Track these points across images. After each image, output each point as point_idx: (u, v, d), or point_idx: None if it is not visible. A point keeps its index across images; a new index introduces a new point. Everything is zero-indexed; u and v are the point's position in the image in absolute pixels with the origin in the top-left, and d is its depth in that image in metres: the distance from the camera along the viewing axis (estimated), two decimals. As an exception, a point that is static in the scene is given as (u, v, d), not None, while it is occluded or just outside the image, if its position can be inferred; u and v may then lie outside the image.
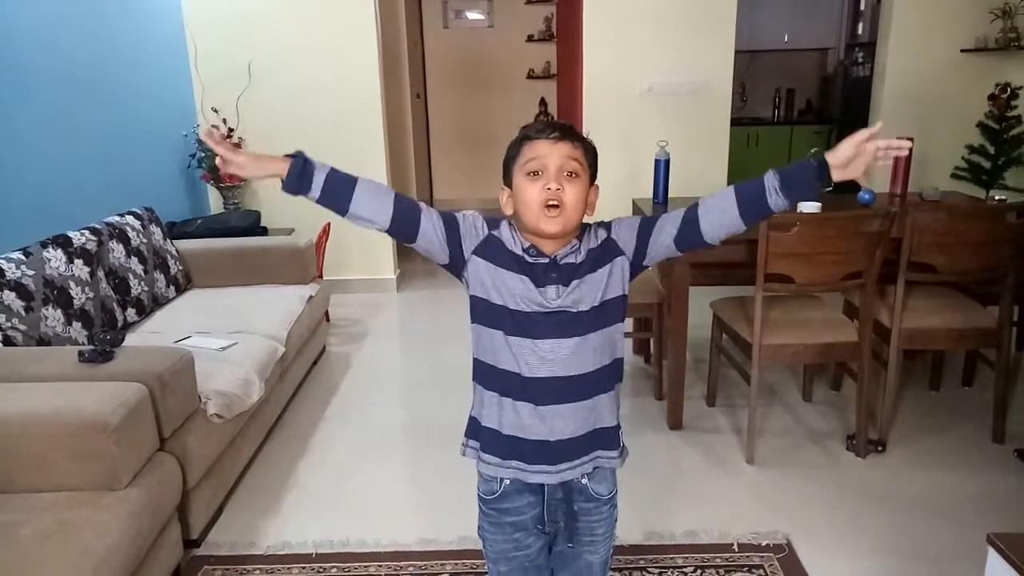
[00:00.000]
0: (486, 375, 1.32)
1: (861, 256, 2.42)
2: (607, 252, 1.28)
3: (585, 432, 1.30)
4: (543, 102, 7.26)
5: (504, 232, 1.28)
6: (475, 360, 1.33)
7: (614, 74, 4.39)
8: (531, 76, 7.28)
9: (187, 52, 4.26)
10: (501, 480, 1.33)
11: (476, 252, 1.27)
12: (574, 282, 1.25)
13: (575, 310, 1.25)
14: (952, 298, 2.75)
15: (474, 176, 7.48)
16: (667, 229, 1.28)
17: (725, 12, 4.30)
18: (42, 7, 2.89)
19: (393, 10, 5.55)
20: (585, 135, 1.27)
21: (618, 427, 1.35)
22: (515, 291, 1.25)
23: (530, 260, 1.25)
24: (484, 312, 1.28)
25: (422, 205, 1.28)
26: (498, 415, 1.30)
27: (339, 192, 1.28)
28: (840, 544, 2.14)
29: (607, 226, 1.31)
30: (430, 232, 1.26)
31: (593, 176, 1.28)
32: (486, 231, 1.28)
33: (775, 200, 1.20)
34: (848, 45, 6.33)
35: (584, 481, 1.33)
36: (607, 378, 1.31)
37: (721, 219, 1.25)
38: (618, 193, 3.92)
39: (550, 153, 1.22)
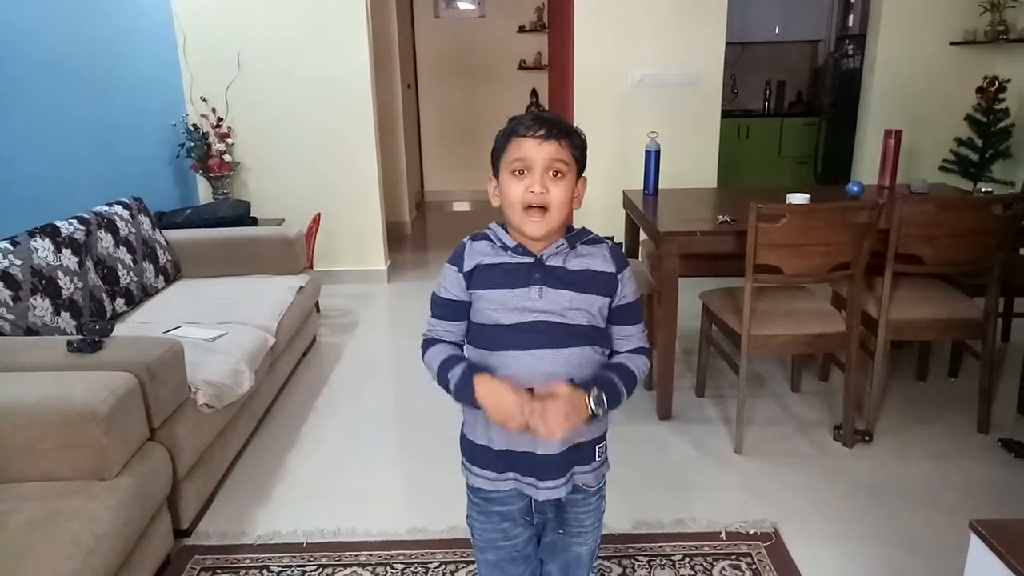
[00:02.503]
0: None
1: (849, 247, 2.44)
2: (607, 284, 1.27)
3: (565, 448, 1.29)
4: (534, 93, 7.25)
5: (472, 254, 1.28)
6: None
7: (605, 65, 4.39)
8: (522, 67, 7.27)
9: (176, 42, 4.22)
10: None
11: (470, 288, 1.29)
12: (566, 294, 1.24)
13: (560, 321, 1.24)
14: (939, 289, 2.77)
15: (464, 167, 7.48)
16: (620, 334, 1.32)
17: (716, 4, 4.30)
18: (28, -6, 2.86)
19: (383, -1, 5.53)
20: (576, 126, 1.26)
21: (596, 441, 1.34)
22: (496, 303, 1.25)
23: (516, 259, 1.25)
24: (476, 333, 1.30)
25: (445, 336, 1.34)
26: (486, 431, 1.31)
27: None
28: (827, 532, 2.16)
29: (617, 261, 1.29)
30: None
31: (581, 169, 1.27)
32: (460, 272, 1.29)
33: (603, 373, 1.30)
34: (838, 37, 6.34)
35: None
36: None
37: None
38: (609, 184, 3.94)
39: (536, 154, 1.20)
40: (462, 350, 1.34)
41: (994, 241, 2.53)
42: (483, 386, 1.22)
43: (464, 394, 1.25)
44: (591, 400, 1.22)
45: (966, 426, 2.74)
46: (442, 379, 1.29)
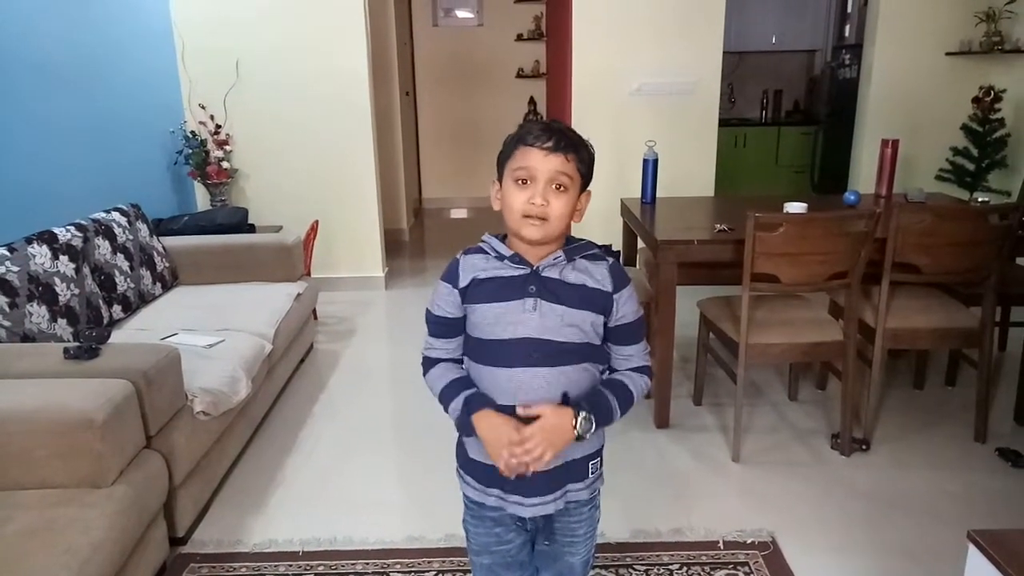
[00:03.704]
0: None
1: (846, 256, 2.45)
2: (602, 303, 1.25)
3: (556, 465, 1.28)
4: (532, 101, 7.27)
5: (466, 270, 1.27)
6: None
7: (603, 74, 4.41)
8: (520, 75, 7.29)
9: (175, 49, 4.23)
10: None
11: (465, 303, 1.28)
12: (559, 308, 1.22)
13: (553, 339, 1.23)
14: (936, 298, 2.78)
15: (463, 175, 7.49)
16: (619, 353, 1.32)
17: (714, 13, 4.32)
18: (25, 2, 2.86)
19: (382, 7, 5.54)
20: (586, 139, 1.24)
21: (589, 457, 1.33)
22: (490, 318, 1.25)
23: (511, 270, 1.24)
24: (471, 347, 1.30)
25: (443, 355, 1.35)
26: (478, 444, 1.30)
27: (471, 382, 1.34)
28: (824, 541, 2.16)
29: (616, 280, 1.26)
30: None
31: (587, 183, 1.25)
32: (455, 288, 1.27)
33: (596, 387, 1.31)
34: (835, 47, 6.38)
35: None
36: None
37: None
38: (607, 193, 3.94)
39: (541, 165, 1.19)
40: (461, 364, 1.34)
41: (991, 250, 2.53)
42: (482, 423, 1.24)
43: (464, 427, 1.29)
44: (578, 423, 1.21)
45: (963, 435, 2.74)
46: (444, 405, 1.32)
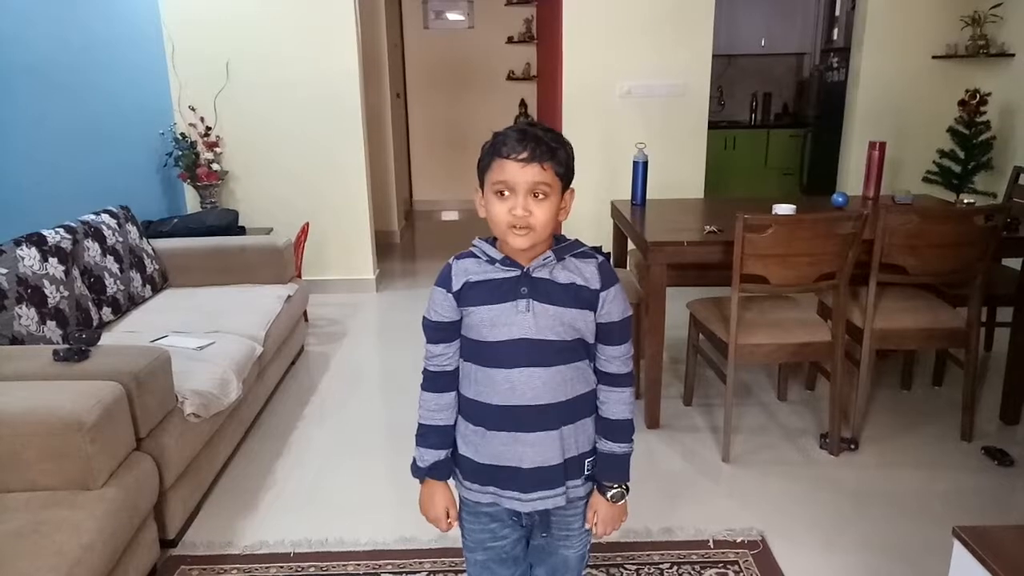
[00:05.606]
0: (464, 405, 1.34)
1: (834, 257, 2.47)
2: (590, 300, 1.26)
3: (557, 462, 1.29)
4: (523, 103, 7.28)
5: (459, 273, 1.28)
6: (458, 393, 1.35)
7: (593, 76, 4.42)
8: (511, 78, 7.30)
9: (164, 51, 4.22)
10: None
11: (460, 306, 1.28)
12: (551, 308, 1.23)
13: (547, 338, 1.24)
14: (922, 299, 2.80)
15: (453, 177, 7.49)
16: (603, 353, 1.32)
17: (703, 16, 4.35)
18: (14, 3, 2.85)
19: (373, 10, 5.55)
20: (563, 138, 1.24)
21: (586, 455, 1.34)
22: (486, 321, 1.25)
23: (502, 273, 1.25)
24: (467, 348, 1.31)
25: (445, 362, 1.35)
26: (474, 444, 1.32)
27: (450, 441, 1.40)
28: (813, 540, 2.18)
29: (604, 278, 1.27)
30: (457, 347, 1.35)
31: (568, 182, 1.25)
32: (450, 291, 1.28)
33: (599, 444, 1.36)
34: (823, 50, 6.42)
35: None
36: (579, 408, 1.30)
37: (598, 397, 1.35)
38: (597, 195, 3.97)
39: (518, 177, 1.19)
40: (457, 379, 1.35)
41: (976, 251, 2.56)
42: (425, 489, 1.41)
43: (415, 473, 1.41)
44: (611, 498, 1.35)
45: (950, 434, 2.77)
46: (418, 438, 1.39)
